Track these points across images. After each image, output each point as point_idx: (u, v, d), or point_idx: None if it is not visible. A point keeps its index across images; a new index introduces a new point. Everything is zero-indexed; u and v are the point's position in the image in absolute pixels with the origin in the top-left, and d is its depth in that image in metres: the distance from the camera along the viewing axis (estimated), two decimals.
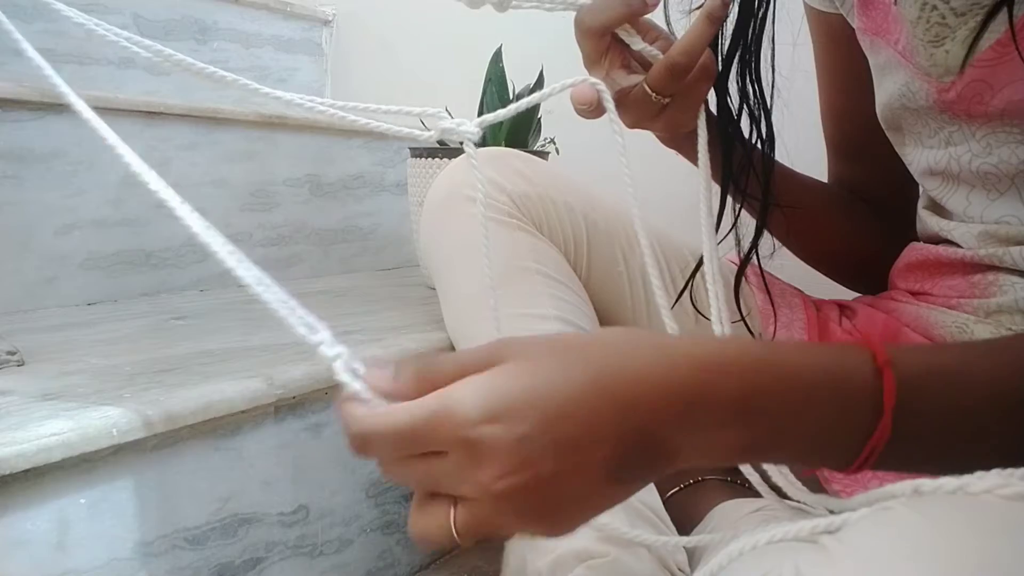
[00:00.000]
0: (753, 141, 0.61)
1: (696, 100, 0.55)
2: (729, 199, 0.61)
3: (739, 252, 0.63)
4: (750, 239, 0.62)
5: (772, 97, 0.60)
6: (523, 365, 0.32)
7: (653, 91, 0.52)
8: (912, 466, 0.36)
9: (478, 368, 0.32)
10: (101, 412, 0.51)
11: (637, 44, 0.53)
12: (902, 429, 0.34)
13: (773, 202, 0.61)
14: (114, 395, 0.55)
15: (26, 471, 0.47)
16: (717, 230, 0.59)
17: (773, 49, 0.59)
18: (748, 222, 0.63)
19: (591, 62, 0.54)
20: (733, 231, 0.62)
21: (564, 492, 0.32)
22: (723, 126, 0.60)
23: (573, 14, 0.53)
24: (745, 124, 0.61)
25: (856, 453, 0.34)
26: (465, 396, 0.31)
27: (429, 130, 0.46)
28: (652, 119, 0.55)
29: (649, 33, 0.54)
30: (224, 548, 0.59)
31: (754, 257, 0.63)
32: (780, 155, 0.65)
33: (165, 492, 0.55)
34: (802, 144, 0.73)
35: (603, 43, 0.53)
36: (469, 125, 0.43)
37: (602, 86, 0.49)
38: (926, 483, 0.31)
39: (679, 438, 0.32)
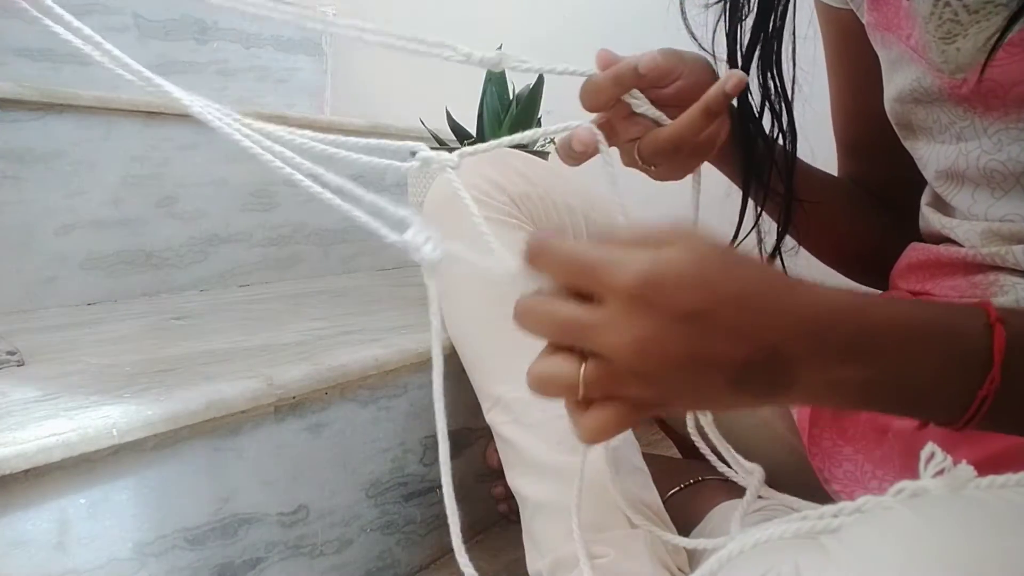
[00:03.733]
0: (774, 136, 0.61)
1: (687, 170, 0.55)
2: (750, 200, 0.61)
3: (761, 251, 0.62)
4: (767, 238, 0.62)
5: (793, 92, 0.59)
6: (698, 252, 0.35)
7: (642, 161, 0.53)
8: (1018, 427, 0.38)
9: (656, 243, 0.35)
10: (101, 412, 0.51)
11: (639, 107, 0.53)
12: (1010, 384, 0.36)
13: (796, 199, 0.61)
14: (114, 395, 0.55)
15: (26, 471, 0.47)
16: (737, 232, 0.59)
17: (794, 43, 0.59)
18: (765, 220, 0.63)
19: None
20: (755, 230, 0.62)
21: (690, 378, 0.35)
22: (744, 123, 0.60)
23: (572, 11, 0.53)
24: (765, 120, 0.61)
25: (966, 406, 0.37)
26: (644, 258, 0.34)
27: (412, 161, 0.46)
28: (646, 171, 0.56)
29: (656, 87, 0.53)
30: (224, 548, 0.59)
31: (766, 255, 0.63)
32: (802, 150, 0.65)
33: (165, 492, 0.55)
34: (823, 138, 0.73)
35: (606, 107, 0.53)
36: (448, 156, 0.44)
37: (600, 135, 0.50)
38: (925, 484, 0.31)
39: (802, 367, 0.35)
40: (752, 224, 0.61)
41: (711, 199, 0.57)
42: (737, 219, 0.63)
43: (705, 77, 0.54)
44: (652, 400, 0.36)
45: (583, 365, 0.35)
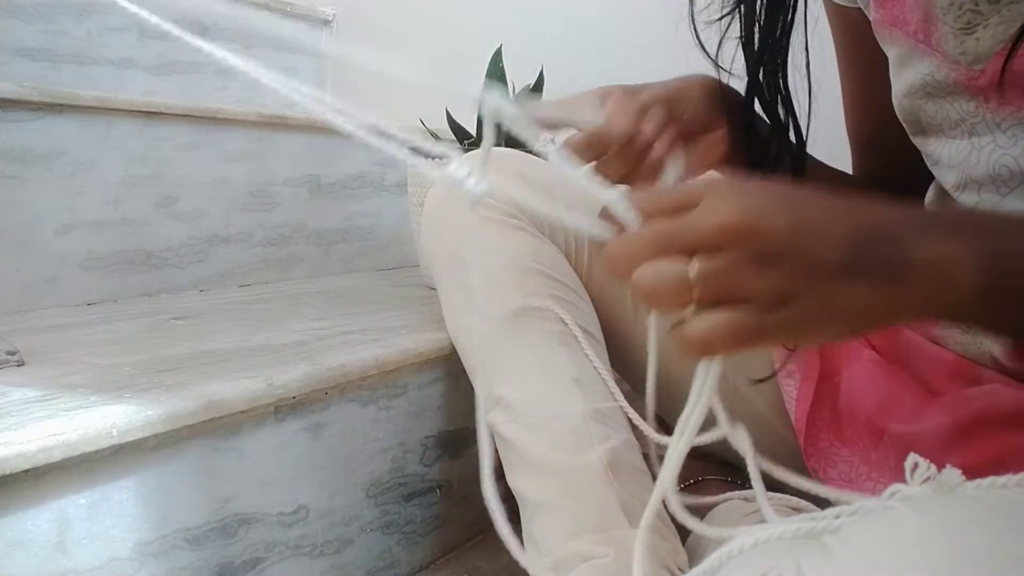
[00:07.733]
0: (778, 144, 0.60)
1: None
2: None
3: None
4: None
5: (810, 104, 0.59)
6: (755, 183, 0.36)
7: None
8: None
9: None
10: (101, 412, 0.51)
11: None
12: None
13: None
14: (114, 395, 0.55)
15: (26, 471, 0.47)
16: None
17: (807, 58, 0.58)
18: None
19: None
20: None
21: (804, 255, 0.33)
22: (747, 134, 0.59)
23: (574, 15, 0.53)
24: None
25: None
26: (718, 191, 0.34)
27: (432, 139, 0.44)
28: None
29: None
30: (224, 548, 0.59)
31: None
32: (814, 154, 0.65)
33: (165, 492, 0.55)
34: (836, 146, 0.73)
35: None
36: (473, 183, 0.39)
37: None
38: (916, 492, 0.31)
39: (910, 239, 0.35)
40: None
41: None
42: None
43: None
44: (770, 294, 0.32)
45: (693, 261, 0.33)
